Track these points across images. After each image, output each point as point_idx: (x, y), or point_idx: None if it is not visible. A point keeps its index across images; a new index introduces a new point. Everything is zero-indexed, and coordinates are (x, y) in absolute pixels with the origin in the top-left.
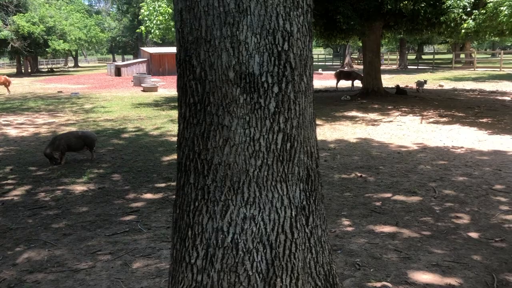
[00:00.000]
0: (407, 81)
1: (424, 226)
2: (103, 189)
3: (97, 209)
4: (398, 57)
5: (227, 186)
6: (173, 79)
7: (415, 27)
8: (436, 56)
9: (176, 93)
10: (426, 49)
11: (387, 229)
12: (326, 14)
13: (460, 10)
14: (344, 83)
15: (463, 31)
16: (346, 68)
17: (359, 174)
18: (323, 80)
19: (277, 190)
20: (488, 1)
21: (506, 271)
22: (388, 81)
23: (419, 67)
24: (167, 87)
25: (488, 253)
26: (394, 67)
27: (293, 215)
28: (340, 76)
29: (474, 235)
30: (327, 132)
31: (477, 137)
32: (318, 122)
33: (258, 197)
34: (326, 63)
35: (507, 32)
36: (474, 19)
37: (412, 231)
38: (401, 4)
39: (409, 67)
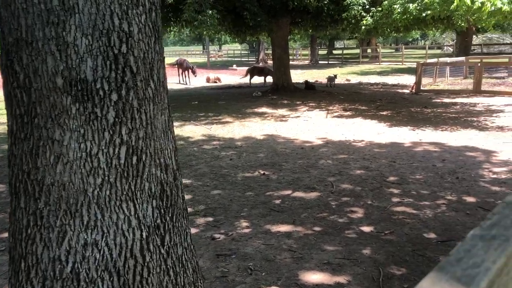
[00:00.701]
0: (317, 76)
1: (319, 222)
2: None
3: None
4: (310, 52)
5: (62, 210)
6: None
7: (319, 24)
8: (346, 51)
9: None
10: (338, 44)
11: (284, 228)
12: (233, 10)
13: (360, 8)
14: (258, 79)
15: (363, 27)
16: (260, 64)
17: (262, 172)
18: (237, 76)
19: (122, 211)
20: None
21: (392, 264)
22: (299, 76)
23: (329, 62)
24: None
25: (377, 247)
26: (307, 62)
27: (144, 236)
28: (253, 72)
29: (366, 229)
30: (236, 129)
31: (377, 129)
32: (228, 119)
33: (101, 220)
34: (242, 59)
35: (402, 29)
36: (372, 16)
37: (308, 229)
38: (306, 1)
39: (320, 62)
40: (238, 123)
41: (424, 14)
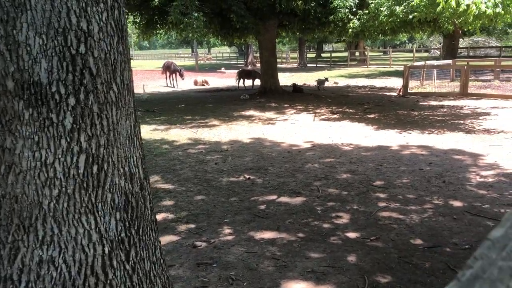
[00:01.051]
0: (306, 79)
1: (305, 228)
2: None
3: None
4: (298, 55)
5: (15, 224)
6: None
7: (307, 26)
8: (334, 54)
9: None
10: (326, 47)
11: (268, 234)
12: (220, 13)
13: (347, 10)
14: (247, 82)
15: (350, 30)
16: (249, 67)
17: (247, 176)
18: (225, 79)
19: (82, 224)
20: (371, 2)
21: (378, 272)
22: (288, 79)
23: (317, 65)
24: None
25: (363, 254)
26: (295, 65)
27: (107, 251)
28: (241, 75)
29: (352, 235)
30: (223, 132)
31: (364, 133)
32: (215, 122)
33: (58, 235)
34: (231, 62)
35: (388, 32)
36: (359, 19)
37: (292, 235)
38: (294, 4)
39: (309, 65)
40: (225, 126)
41: (410, 17)
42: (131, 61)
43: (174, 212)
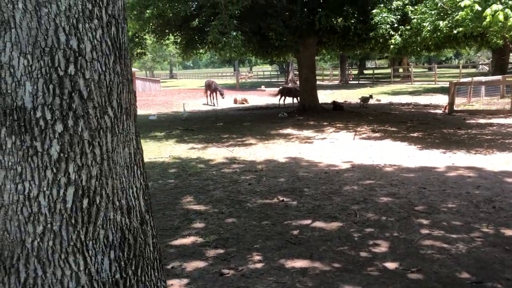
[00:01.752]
0: (347, 96)
1: (339, 257)
2: None
3: None
4: (340, 72)
5: None
6: None
7: (347, 43)
8: (377, 71)
9: None
10: (369, 64)
11: (300, 263)
12: (259, 31)
13: (388, 26)
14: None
15: (391, 46)
16: (290, 85)
17: (280, 199)
18: (265, 97)
19: (69, 265)
20: (413, 17)
21: None
22: (329, 96)
23: (360, 82)
24: None
25: (402, 287)
26: (337, 82)
27: None
28: (282, 92)
29: (390, 265)
30: (259, 151)
31: (407, 152)
32: (252, 140)
33: (42, 277)
34: (272, 80)
35: (432, 47)
36: (400, 35)
37: (326, 264)
38: (333, 21)
39: (350, 82)
40: (261, 145)
41: (455, 32)
42: (175, 80)
43: (203, 235)
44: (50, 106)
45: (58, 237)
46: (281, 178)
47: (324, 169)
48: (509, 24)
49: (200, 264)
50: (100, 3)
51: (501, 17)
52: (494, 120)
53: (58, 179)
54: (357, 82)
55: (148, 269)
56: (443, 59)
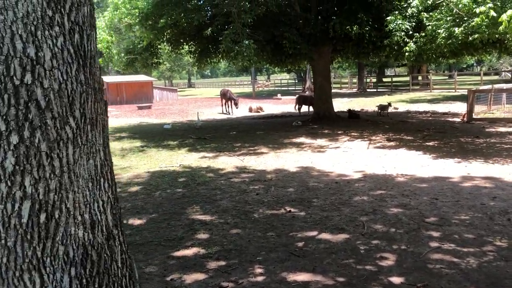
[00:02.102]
0: (364, 104)
1: (343, 270)
2: None
3: None
4: (358, 80)
5: None
6: (129, 108)
7: (361, 51)
8: (396, 79)
9: (124, 123)
10: (388, 72)
11: (302, 277)
12: (273, 39)
13: (403, 34)
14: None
15: (406, 53)
16: (307, 93)
17: (288, 209)
18: (281, 105)
19: (23, 283)
20: (427, 24)
21: None
22: (346, 105)
23: (378, 90)
24: (120, 116)
25: None
26: (354, 90)
27: None
28: (299, 101)
29: (396, 280)
30: (270, 161)
31: (421, 162)
32: (264, 149)
33: None
34: (289, 88)
35: (448, 54)
36: (415, 42)
37: (329, 278)
38: (348, 28)
39: (368, 90)
40: (273, 154)
41: (471, 38)
42: (193, 89)
43: (206, 246)
44: (4, 117)
45: (13, 253)
46: (290, 188)
47: (335, 179)
48: None
49: (200, 276)
50: (62, 10)
51: None
52: None
53: (13, 192)
54: (375, 90)
55: (115, 286)
56: (464, 66)
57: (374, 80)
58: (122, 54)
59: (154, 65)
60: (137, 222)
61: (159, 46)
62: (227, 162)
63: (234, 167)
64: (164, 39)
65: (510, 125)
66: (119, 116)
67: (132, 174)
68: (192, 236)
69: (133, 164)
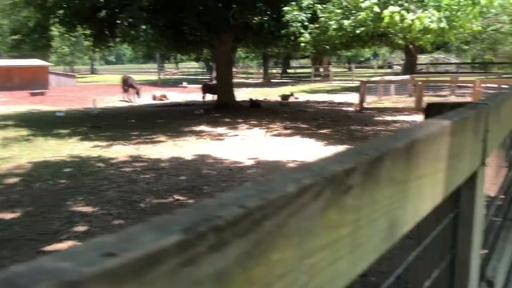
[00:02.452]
0: (268, 94)
1: None
2: None
3: None
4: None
5: None
6: (21, 94)
7: (261, 40)
8: (300, 70)
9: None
10: (294, 63)
11: None
12: (173, 25)
13: (299, 24)
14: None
15: (301, 44)
16: (213, 82)
17: (175, 198)
18: (187, 94)
19: None
20: (321, 16)
21: None
22: (251, 94)
23: (282, 80)
24: (8, 103)
25: None
26: (260, 80)
27: None
28: (205, 89)
29: None
30: (166, 149)
31: (313, 149)
32: (162, 138)
33: None
34: (197, 77)
35: (339, 46)
36: (310, 33)
37: None
38: (248, 17)
39: (273, 80)
40: (170, 143)
41: (358, 31)
42: (96, 75)
43: (83, 239)
44: None
45: None
46: (182, 176)
47: (230, 166)
48: (404, 25)
49: None
50: None
51: (397, 18)
52: (400, 117)
53: None
54: (280, 80)
55: None
56: (362, 59)
57: (280, 71)
58: (7, 34)
59: (45, 48)
60: (9, 216)
61: (52, 28)
62: (120, 151)
63: (128, 156)
64: (56, 20)
65: (395, 114)
66: (7, 103)
67: (12, 165)
68: (69, 229)
69: (15, 154)
